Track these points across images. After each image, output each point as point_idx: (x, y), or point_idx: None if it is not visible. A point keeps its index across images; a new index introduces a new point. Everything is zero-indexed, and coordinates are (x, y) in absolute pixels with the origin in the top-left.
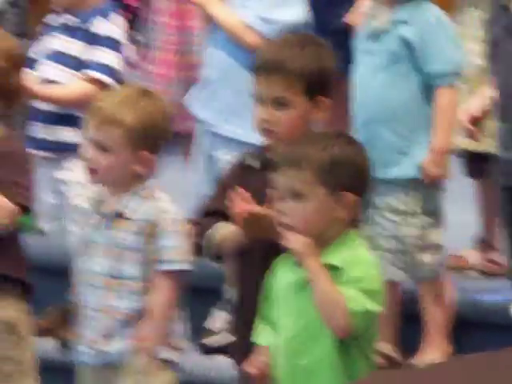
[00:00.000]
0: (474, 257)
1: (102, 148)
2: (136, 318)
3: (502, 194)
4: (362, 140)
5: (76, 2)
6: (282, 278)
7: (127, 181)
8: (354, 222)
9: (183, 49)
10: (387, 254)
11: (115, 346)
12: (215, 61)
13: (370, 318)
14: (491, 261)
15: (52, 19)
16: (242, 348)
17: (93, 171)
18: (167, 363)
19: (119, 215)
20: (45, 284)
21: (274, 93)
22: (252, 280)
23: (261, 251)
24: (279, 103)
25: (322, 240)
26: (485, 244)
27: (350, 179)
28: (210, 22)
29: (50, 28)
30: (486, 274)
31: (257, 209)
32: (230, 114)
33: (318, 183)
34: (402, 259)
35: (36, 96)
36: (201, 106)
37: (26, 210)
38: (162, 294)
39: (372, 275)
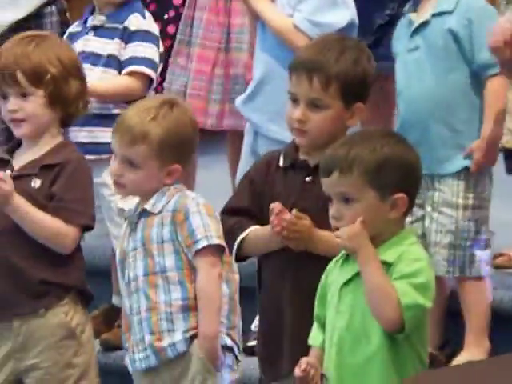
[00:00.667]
0: None
1: (130, 163)
2: (189, 306)
3: None
4: (413, 138)
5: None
6: (335, 277)
7: (156, 191)
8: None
9: (225, 46)
10: (442, 250)
11: (175, 339)
12: (260, 61)
13: (420, 312)
14: None
15: (76, 26)
16: (264, 352)
17: (120, 185)
18: (231, 354)
19: (148, 214)
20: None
21: (310, 94)
22: (276, 283)
23: (292, 258)
24: (314, 104)
25: (377, 240)
26: None
27: (401, 179)
28: (257, 19)
29: (77, 33)
30: None
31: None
32: (274, 114)
33: (367, 186)
34: (457, 255)
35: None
36: (246, 105)
37: (88, 228)
38: (202, 275)
39: (424, 271)
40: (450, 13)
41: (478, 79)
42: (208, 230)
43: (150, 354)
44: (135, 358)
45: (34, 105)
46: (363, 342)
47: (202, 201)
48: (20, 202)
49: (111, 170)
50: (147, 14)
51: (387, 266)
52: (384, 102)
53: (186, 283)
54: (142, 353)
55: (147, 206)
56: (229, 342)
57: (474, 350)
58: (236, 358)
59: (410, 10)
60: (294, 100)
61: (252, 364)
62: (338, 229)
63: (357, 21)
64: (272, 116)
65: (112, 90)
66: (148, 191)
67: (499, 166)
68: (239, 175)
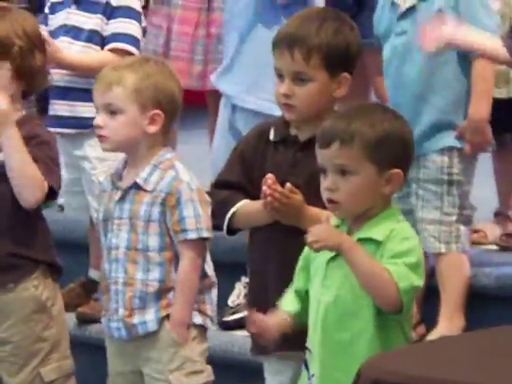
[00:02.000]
0: (493, 230)
1: (111, 111)
2: (164, 288)
3: None
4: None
5: None
6: (321, 252)
7: (142, 145)
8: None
9: (206, 6)
10: (429, 226)
11: (146, 318)
12: (234, 29)
13: (414, 292)
14: (508, 234)
15: None
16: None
17: (103, 138)
18: (199, 328)
19: (139, 188)
20: (65, 260)
21: (293, 67)
22: (263, 258)
23: (280, 232)
24: (299, 78)
25: (366, 215)
26: (502, 217)
27: (398, 155)
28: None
29: (58, 5)
30: (503, 247)
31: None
32: (250, 85)
33: (366, 160)
34: (442, 230)
35: (66, 63)
36: (221, 78)
37: (53, 194)
38: (185, 264)
39: (415, 249)
40: None
41: (467, 61)
42: (199, 221)
43: (121, 327)
44: (110, 325)
45: (1, 78)
46: (351, 318)
47: (195, 185)
48: (16, 130)
49: (94, 123)
50: None
51: (376, 244)
52: (360, 76)
53: (165, 265)
54: (115, 322)
55: (139, 181)
56: (199, 320)
57: (447, 326)
58: (205, 330)
59: None
60: (280, 75)
61: (228, 338)
62: (331, 201)
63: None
64: (248, 87)
65: (96, 65)
66: (132, 142)
67: None
68: (215, 150)
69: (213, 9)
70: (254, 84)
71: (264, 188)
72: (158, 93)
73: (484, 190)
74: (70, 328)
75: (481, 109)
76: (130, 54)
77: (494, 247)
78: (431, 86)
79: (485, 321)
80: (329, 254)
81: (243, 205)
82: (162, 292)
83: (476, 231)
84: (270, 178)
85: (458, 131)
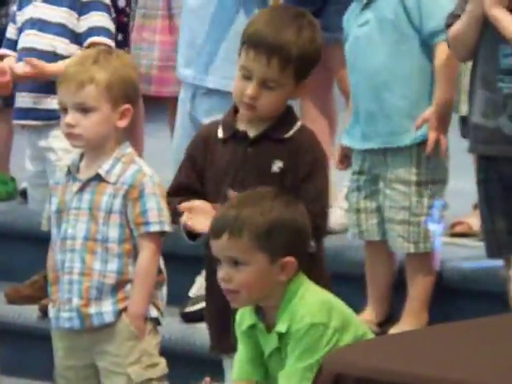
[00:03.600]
0: (476, 222)
1: (83, 110)
2: (121, 280)
3: (480, 161)
4: (368, 111)
5: None
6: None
7: (110, 140)
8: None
9: (169, 13)
10: (397, 226)
11: (102, 309)
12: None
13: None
14: None
15: None
16: (212, 327)
17: (75, 136)
18: (154, 322)
19: (101, 180)
20: (28, 252)
21: (267, 74)
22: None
23: None
24: (268, 84)
25: (270, 307)
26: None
27: (291, 242)
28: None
29: (25, 0)
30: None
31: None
32: (208, 65)
33: (257, 250)
34: (411, 230)
35: (47, 74)
36: (180, 67)
37: None
38: (145, 256)
39: (312, 328)
40: None
41: (429, 48)
42: (161, 214)
43: (74, 316)
44: (59, 316)
45: None
46: None
47: (157, 180)
48: None
49: (64, 123)
50: None
51: (282, 335)
52: (322, 72)
53: (123, 257)
54: (67, 312)
55: (101, 172)
56: (154, 313)
57: (410, 322)
58: (159, 323)
59: None
60: (247, 75)
61: (189, 330)
62: (230, 291)
63: None
64: (206, 67)
65: None
66: (102, 138)
67: (454, 134)
68: (176, 148)
69: (173, 16)
70: (210, 63)
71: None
72: (127, 86)
73: (464, 182)
74: (33, 320)
75: (447, 94)
76: (108, 47)
77: (476, 238)
78: (396, 75)
79: (450, 315)
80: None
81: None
82: (120, 284)
83: (460, 223)
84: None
85: (421, 119)
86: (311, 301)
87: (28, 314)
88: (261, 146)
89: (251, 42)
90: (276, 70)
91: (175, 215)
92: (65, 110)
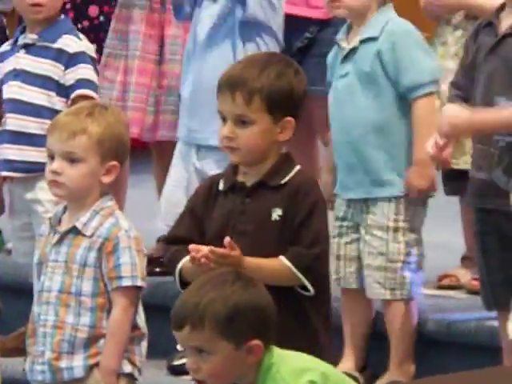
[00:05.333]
0: (465, 275)
1: (70, 159)
2: (94, 335)
3: (476, 214)
4: (348, 162)
5: (48, 17)
6: None
7: (92, 193)
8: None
9: (158, 58)
10: (374, 273)
11: (73, 363)
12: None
13: None
14: (477, 279)
15: (6, 45)
16: None
17: (58, 185)
18: (129, 378)
19: (78, 232)
20: (14, 304)
21: (235, 110)
22: None
23: None
24: (241, 121)
25: (243, 382)
26: (469, 262)
27: (254, 325)
28: None
29: (6, 53)
30: (472, 292)
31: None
32: (203, 123)
33: (220, 338)
34: (387, 277)
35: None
36: (184, 117)
37: None
38: (118, 311)
39: None
40: (376, 39)
41: (406, 102)
42: (135, 269)
43: (46, 370)
44: (33, 368)
45: None
46: None
47: (133, 234)
48: None
49: (49, 170)
50: (81, 34)
51: None
52: (305, 122)
53: (97, 311)
54: (40, 365)
55: (78, 225)
56: (128, 369)
57: (397, 373)
58: (134, 380)
59: (342, 38)
60: (223, 118)
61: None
62: (198, 381)
63: None
64: (200, 125)
65: None
66: (85, 191)
67: (440, 186)
68: (167, 198)
69: (165, 61)
70: (206, 121)
71: (193, 254)
72: (117, 144)
73: (450, 235)
74: (20, 373)
75: (424, 152)
76: (92, 99)
77: (463, 291)
78: (374, 128)
79: (437, 368)
80: None
81: (188, 260)
82: (92, 339)
83: (447, 276)
84: (192, 248)
85: (406, 180)
86: (286, 371)
87: (14, 366)
88: (259, 195)
89: (218, 85)
90: (242, 105)
91: (170, 265)
92: (52, 157)
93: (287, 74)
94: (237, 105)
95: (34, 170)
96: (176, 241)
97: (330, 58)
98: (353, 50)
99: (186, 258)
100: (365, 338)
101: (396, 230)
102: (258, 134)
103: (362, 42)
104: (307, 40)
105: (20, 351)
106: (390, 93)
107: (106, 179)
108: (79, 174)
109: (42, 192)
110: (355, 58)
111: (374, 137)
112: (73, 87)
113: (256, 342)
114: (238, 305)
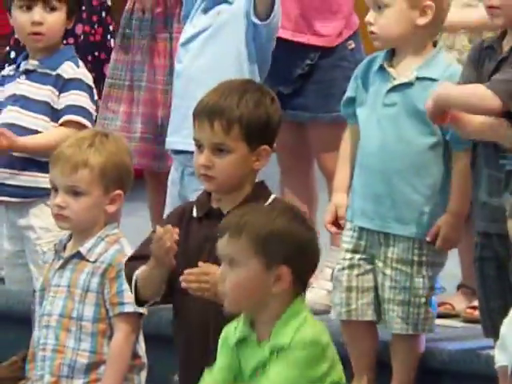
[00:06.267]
0: (460, 303)
1: (74, 192)
2: (95, 360)
3: (479, 238)
4: (372, 191)
5: (48, 46)
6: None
7: (98, 223)
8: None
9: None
10: (397, 307)
11: None
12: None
13: None
14: (472, 307)
15: (9, 70)
16: None
17: (63, 218)
18: None
19: (82, 258)
20: (7, 333)
21: (213, 139)
22: (190, 342)
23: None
24: (218, 149)
25: (268, 317)
26: (465, 289)
27: (289, 254)
28: None
29: (8, 77)
30: (467, 320)
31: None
32: (176, 127)
33: (253, 254)
34: (411, 312)
35: (22, 148)
36: (172, 135)
37: None
38: (119, 337)
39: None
40: (435, 80)
41: (447, 147)
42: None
43: None
44: None
45: None
46: None
47: None
48: None
49: (54, 204)
50: (80, 62)
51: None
52: (303, 150)
53: (97, 337)
54: None
55: (82, 250)
56: None
57: None
58: None
59: (385, 61)
60: (199, 146)
61: None
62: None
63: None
64: (174, 129)
65: (53, 144)
66: (90, 222)
67: None
68: None
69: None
70: (179, 125)
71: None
72: (120, 172)
73: (448, 262)
74: None
75: (463, 206)
76: (83, 126)
77: (459, 319)
78: (411, 164)
79: None
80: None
81: (139, 272)
82: (93, 364)
83: (443, 303)
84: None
85: (436, 227)
86: (312, 325)
87: None
88: None
89: (195, 113)
90: (221, 133)
91: (128, 281)
92: (55, 189)
93: (264, 102)
94: (215, 133)
95: (28, 196)
96: (140, 258)
97: (360, 73)
98: (406, 84)
99: (138, 270)
100: (373, 361)
101: (420, 263)
102: (235, 162)
103: (420, 78)
104: (308, 67)
105: (11, 380)
106: (438, 137)
107: (111, 208)
108: (83, 206)
109: (36, 219)
110: (408, 92)
111: (412, 174)
112: (62, 112)
113: (286, 269)
114: (278, 227)
